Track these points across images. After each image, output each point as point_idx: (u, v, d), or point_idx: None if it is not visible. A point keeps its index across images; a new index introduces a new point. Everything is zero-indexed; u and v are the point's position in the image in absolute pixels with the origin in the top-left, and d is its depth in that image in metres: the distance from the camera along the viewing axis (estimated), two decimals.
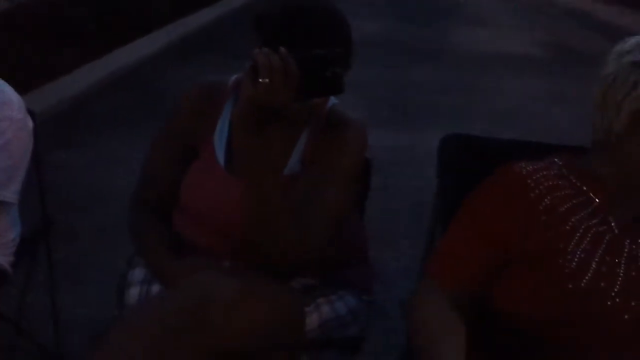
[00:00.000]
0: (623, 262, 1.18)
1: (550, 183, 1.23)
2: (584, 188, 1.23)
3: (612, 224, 1.21)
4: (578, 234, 1.19)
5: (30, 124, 1.69)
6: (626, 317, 1.14)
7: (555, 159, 1.29)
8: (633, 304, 1.15)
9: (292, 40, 1.25)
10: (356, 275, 1.55)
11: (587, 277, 1.16)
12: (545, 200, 1.21)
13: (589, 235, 1.19)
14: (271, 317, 1.27)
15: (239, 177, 1.31)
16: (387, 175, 3.45)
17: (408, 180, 3.50)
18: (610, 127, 1.18)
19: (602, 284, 1.15)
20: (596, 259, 1.17)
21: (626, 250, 1.19)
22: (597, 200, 1.22)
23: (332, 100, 1.44)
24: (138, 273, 1.45)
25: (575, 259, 1.17)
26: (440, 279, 1.25)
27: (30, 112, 1.72)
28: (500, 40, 7.44)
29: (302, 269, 1.40)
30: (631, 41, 1.19)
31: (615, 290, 1.15)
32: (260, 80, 1.18)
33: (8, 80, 1.68)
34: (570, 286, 1.15)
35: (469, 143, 1.49)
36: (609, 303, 1.15)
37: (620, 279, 1.16)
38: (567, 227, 1.19)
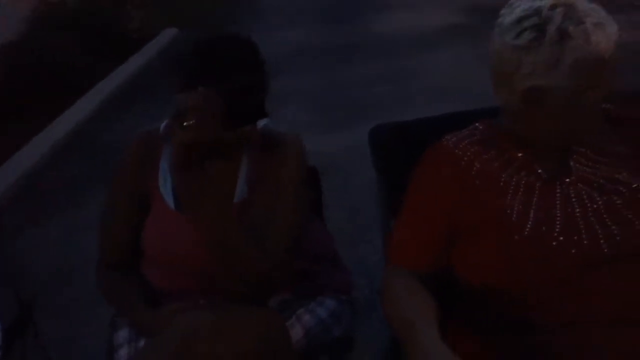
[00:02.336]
0: (558, 203, 1.23)
1: (476, 148, 1.30)
2: (507, 146, 1.29)
3: (540, 171, 1.27)
4: (511, 189, 1.25)
5: None
6: (573, 251, 1.18)
7: (477, 124, 1.36)
8: (575, 237, 1.19)
9: (209, 76, 1.31)
10: (330, 278, 1.60)
11: (528, 226, 1.20)
12: (475, 165, 1.28)
13: (521, 187, 1.25)
14: (255, 342, 1.31)
15: (191, 216, 1.36)
16: (347, 174, 3.52)
17: (366, 174, 3.54)
18: (509, 102, 1.23)
19: (544, 228, 1.20)
20: (533, 207, 1.22)
21: (558, 192, 1.24)
22: (520, 154, 1.28)
23: (263, 121, 1.48)
24: (123, 334, 1.48)
25: (514, 212, 1.22)
26: (402, 263, 1.30)
27: None
28: (423, 18, 7.53)
29: (274, 287, 1.45)
30: (511, 16, 1.20)
31: (557, 230, 1.20)
32: (186, 123, 1.25)
33: None
34: (515, 237, 1.19)
35: (396, 129, 1.54)
36: (554, 243, 1.18)
37: (558, 218, 1.21)
38: (500, 185, 1.25)
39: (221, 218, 1.34)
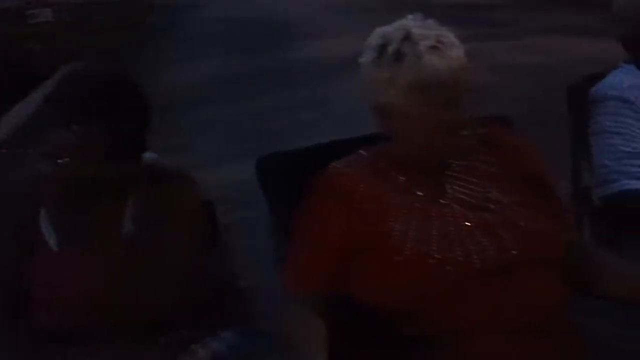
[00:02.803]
0: (434, 223, 1.28)
1: (361, 173, 1.34)
2: (389, 170, 1.35)
3: (419, 194, 1.32)
4: (393, 211, 1.29)
5: None
6: (448, 267, 1.23)
7: (361, 151, 1.41)
8: (450, 255, 1.24)
9: (82, 114, 1.31)
10: (231, 311, 1.58)
11: (407, 246, 1.25)
12: (360, 189, 1.32)
13: (403, 209, 1.30)
14: None
15: (75, 253, 1.35)
16: (261, 203, 3.51)
17: None
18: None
19: (422, 248, 1.25)
20: (412, 228, 1.27)
21: (434, 212, 1.30)
22: (402, 178, 1.33)
23: (151, 156, 1.49)
24: None
25: (396, 233, 1.27)
26: (295, 290, 1.33)
27: None
28: (341, 44, 7.67)
29: (169, 323, 1.42)
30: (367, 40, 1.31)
31: (434, 248, 1.25)
32: (60, 161, 1.23)
33: None
34: (396, 258, 1.24)
35: (284, 159, 1.57)
36: (430, 261, 1.24)
37: (434, 237, 1.26)
38: (384, 207, 1.30)
39: (107, 255, 1.32)
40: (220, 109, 5.73)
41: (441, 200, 1.31)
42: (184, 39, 9.68)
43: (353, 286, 1.31)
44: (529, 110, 4.27)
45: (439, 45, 1.24)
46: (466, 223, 1.28)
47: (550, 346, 1.23)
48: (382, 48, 1.27)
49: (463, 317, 1.22)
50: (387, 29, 1.30)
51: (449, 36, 1.27)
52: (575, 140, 1.85)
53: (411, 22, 1.28)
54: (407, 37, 1.25)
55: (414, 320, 1.24)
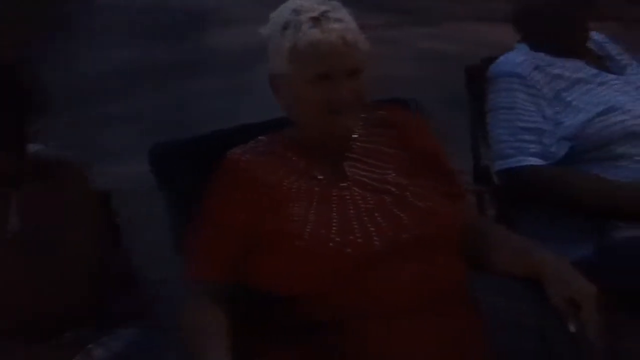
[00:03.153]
0: (334, 206, 1.29)
1: (260, 159, 1.33)
2: (289, 155, 1.35)
3: (320, 177, 1.32)
4: (293, 195, 1.29)
5: None
6: (348, 250, 1.23)
7: (260, 137, 1.40)
8: (350, 237, 1.25)
9: None
10: (130, 308, 1.53)
11: (307, 230, 1.25)
12: (259, 175, 1.31)
13: (302, 193, 1.30)
14: None
15: None
16: None
17: None
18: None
19: (322, 231, 1.25)
20: (312, 211, 1.27)
21: (334, 195, 1.30)
22: (302, 162, 1.34)
23: (37, 147, 1.43)
24: None
25: (295, 218, 1.26)
26: (194, 278, 1.31)
27: None
28: (256, 32, 7.61)
29: (64, 323, 1.38)
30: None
31: (333, 231, 1.25)
32: None
33: None
34: (297, 243, 1.24)
35: (179, 147, 1.53)
36: (330, 244, 1.23)
37: (335, 221, 1.26)
38: (284, 192, 1.29)
39: None
40: (131, 101, 5.57)
41: (341, 184, 1.32)
42: (104, 27, 9.40)
43: (254, 273, 1.29)
44: (439, 96, 4.41)
45: (321, 18, 1.26)
46: (365, 205, 1.29)
47: (451, 323, 1.25)
48: (274, 20, 1.32)
49: (365, 299, 1.23)
50: (286, 4, 1.33)
51: (337, 12, 1.29)
52: (473, 120, 1.88)
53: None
54: (295, 10, 1.29)
55: (316, 305, 1.24)
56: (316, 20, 1.26)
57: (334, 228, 1.25)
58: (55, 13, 10.77)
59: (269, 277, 1.27)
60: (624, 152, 1.66)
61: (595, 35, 1.96)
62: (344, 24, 1.28)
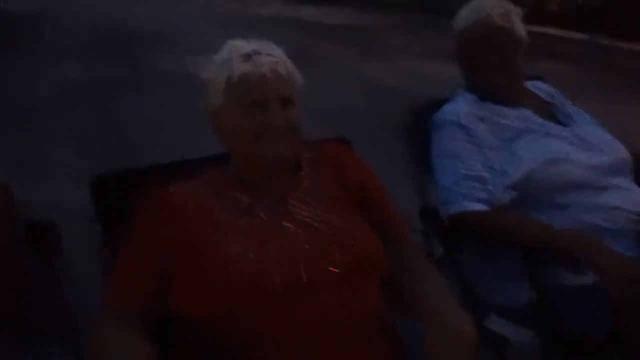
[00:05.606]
0: (271, 241, 1.28)
1: (198, 197, 1.34)
2: (231, 192, 1.35)
3: (261, 215, 1.32)
4: (232, 230, 1.29)
5: None
6: (278, 282, 1.22)
7: (201, 175, 1.40)
8: (283, 270, 1.24)
9: None
10: (50, 328, 1.48)
11: (241, 264, 1.23)
12: (190, 204, 1.32)
13: (242, 228, 1.29)
14: None
15: None
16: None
17: None
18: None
19: (256, 265, 1.24)
20: (250, 247, 1.26)
21: (273, 230, 1.30)
22: (245, 200, 1.34)
23: None
24: None
25: (232, 252, 1.25)
26: (113, 305, 1.28)
27: None
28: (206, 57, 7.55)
29: None
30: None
31: (267, 266, 1.24)
32: None
33: None
34: (231, 277, 1.22)
35: (119, 178, 1.50)
36: (262, 279, 1.22)
37: (270, 256, 1.26)
38: (221, 226, 1.29)
39: None
40: (71, 118, 5.44)
41: (283, 223, 1.32)
42: (45, 45, 9.23)
43: (174, 300, 1.28)
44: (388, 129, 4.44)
45: (252, 55, 1.34)
46: (301, 241, 1.30)
47: (369, 354, 1.26)
48: (212, 62, 1.38)
49: (286, 327, 1.22)
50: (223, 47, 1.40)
51: (269, 49, 1.37)
52: (418, 161, 1.87)
53: (243, 40, 1.39)
54: (229, 50, 1.37)
55: (234, 328, 1.22)
56: (247, 57, 1.34)
57: (265, 256, 1.26)
58: (23, 28, 10.63)
59: (195, 307, 1.25)
60: (569, 201, 1.67)
61: (541, 84, 2.00)
62: (275, 58, 1.35)
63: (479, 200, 1.67)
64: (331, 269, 1.27)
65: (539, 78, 2.06)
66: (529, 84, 1.95)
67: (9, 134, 5.04)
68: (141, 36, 9.23)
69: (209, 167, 1.43)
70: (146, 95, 6.13)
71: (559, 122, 1.84)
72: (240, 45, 1.37)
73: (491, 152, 1.72)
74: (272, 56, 1.35)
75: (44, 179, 3.89)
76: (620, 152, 1.79)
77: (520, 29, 1.82)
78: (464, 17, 1.83)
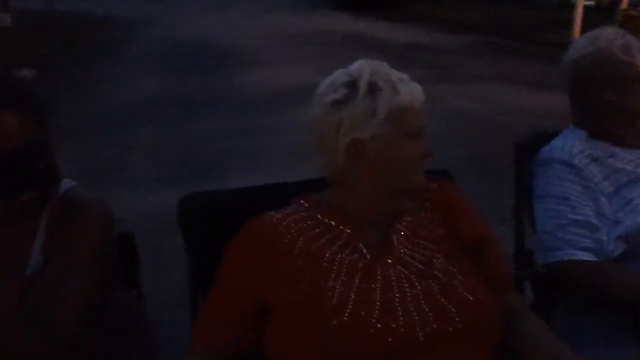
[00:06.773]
0: (378, 286, 1.20)
1: (301, 225, 1.27)
2: (333, 223, 1.28)
3: (364, 251, 1.24)
4: (334, 269, 1.21)
5: None
6: (390, 339, 1.14)
7: (302, 201, 1.33)
8: (393, 325, 1.15)
9: None
10: (129, 356, 1.45)
11: (348, 310, 1.16)
12: (299, 242, 1.24)
13: (344, 266, 1.22)
14: None
15: None
16: None
17: None
18: (335, 165, 1.27)
19: (363, 313, 1.16)
20: (354, 289, 1.19)
21: (379, 273, 1.22)
22: (347, 231, 1.26)
23: (66, 184, 1.36)
24: None
25: (336, 294, 1.18)
26: (203, 340, 1.25)
27: None
28: (287, 75, 7.58)
29: None
30: (325, 83, 1.30)
31: (375, 316, 1.16)
32: None
33: None
34: (334, 322, 1.15)
35: (209, 200, 1.44)
36: (371, 330, 1.14)
37: (378, 303, 1.18)
38: (324, 264, 1.22)
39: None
40: (154, 131, 5.54)
41: (387, 260, 1.24)
42: (131, 54, 9.50)
43: (269, 344, 1.21)
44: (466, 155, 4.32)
45: (404, 78, 1.29)
46: (411, 290, 1.21)
47: None
48: (352, 84, 1.26)
49: None
50: (349, 67, 1.31)
51: (404, 74, 1.31)
52: (519, 201, 1.76)
53: (367, 62, 1.31)
54: (374, 73, 1.27)
55: None
56: (403, 81, 1.28)
57: (376, 312, 1.16)
58: (112, 37, 11.01)
59: (290, 349, 1.18)
60: None
61: None
62: (414, 84, 1.30)
63: (585, 249, 1.52)
64: (448, 326, 1.17)
65: None
66: None
67: (91, 143, 5.17)
68: (224, 52, 9.39)
69: (298, 192, 1.35)
70: (226, 113, 6.19)
71: None
72: (380, 71, 1.28)
73: (605, 198, 1.57)
74: (412, 84, 1.29)
75: (124, 196, 3.88)
76: None
77: None
78: (578, 47, 1.67)
